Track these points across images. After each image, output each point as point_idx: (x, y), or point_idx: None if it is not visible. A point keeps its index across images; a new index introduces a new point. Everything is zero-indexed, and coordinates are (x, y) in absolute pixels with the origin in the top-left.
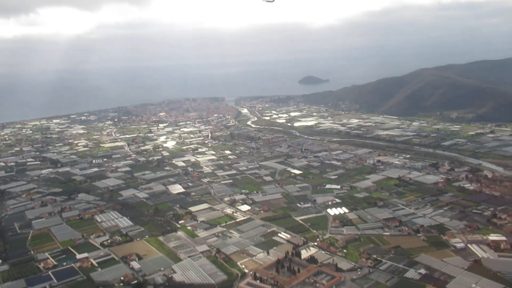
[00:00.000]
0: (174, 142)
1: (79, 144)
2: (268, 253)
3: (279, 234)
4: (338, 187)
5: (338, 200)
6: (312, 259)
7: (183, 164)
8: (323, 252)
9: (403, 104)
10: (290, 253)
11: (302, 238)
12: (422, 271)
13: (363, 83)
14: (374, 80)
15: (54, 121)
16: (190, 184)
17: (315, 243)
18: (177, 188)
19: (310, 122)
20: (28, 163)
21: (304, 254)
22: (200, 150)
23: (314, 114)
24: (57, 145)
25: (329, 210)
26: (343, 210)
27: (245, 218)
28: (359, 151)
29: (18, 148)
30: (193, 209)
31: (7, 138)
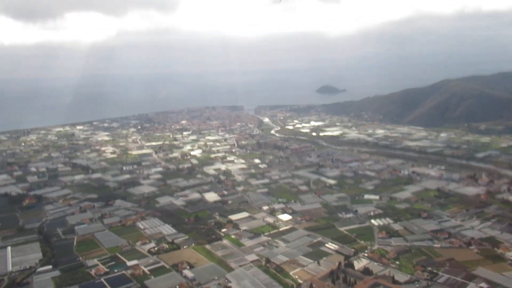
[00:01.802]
0: (200, 150)
1: (106, 151)
2: (319, 263)
3: (326, 245)
4: (377, 197)
5: (379, 211)
6: (366, 271)
7: (214, 172)
8: (375, 263)
9: (429, 115)
10: (342, 264)
11: (352, 249)
12: (484, 285)
13: (385, 94)
14: (395, 90)
15: (78, 127)
16: (225, 192)
17: (366, 254)
18: (213, 196)
19: (335, 132)
20: (59, 169)
21: (356, 265)
22: (228, 158)
23: (338, 124)
24: (84, 151)
25: (372, 221)
26: (387, 220)
27: (288, 227)
28: (391, 162)
29: (47, 154)
30: (233, 217)
31: (34, 144)
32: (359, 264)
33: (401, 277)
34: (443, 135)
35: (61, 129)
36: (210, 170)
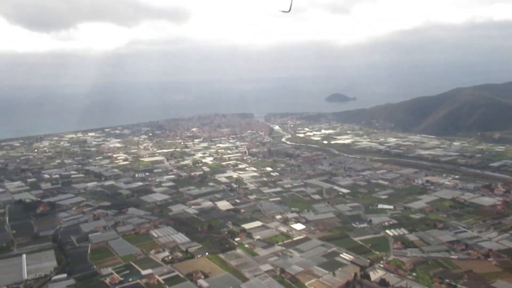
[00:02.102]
0: (212, 158)
1: (118, 158)
2: (334, 274)
3: (341, 255)
4: (391, 207)
5: (394, 221)
6: (383, 282)
7: (226, 180)
8: (391, 274)
9: (441, 124)
10: (358, 275)
11: (368, 260)
12: None
13: (396, 102)
14: (405, 98)
15: (90, 134)
16: (237, 200)
17: (381, 265)
18: (225, 205)
19: (346, 140)
20: (72, 176)
21: (373, 276)
22: (240, 166)
23: (349, 132)
24: (97, 158)
25: (387, 231)
26: (402, 231)
27: (302, 237)
28: (405, 171)
29: (60, 161)
30: (246, 226)
31: (47, 150)
32: (375, 275)
33: None
34: (456, 144)
35: (73, 135)
36: (222, 178)
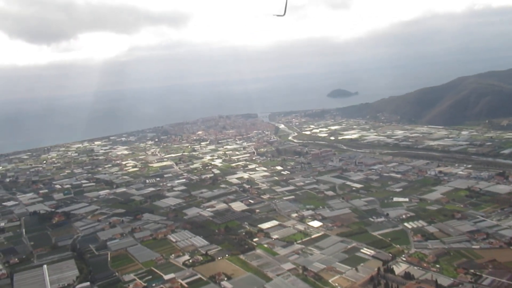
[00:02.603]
0: (220, 160)
1: (127, 165)
2: (357, 269)
3: (361, 250)
4: (407, 200)
5: (411, 214)
6: (407, 275)
7: (237, 181)
8: (415, 267)
9: (447, 114)
10: (382, 270)
11: (389, 254)
12: None
13: (401, 94)
14: (409, 90)
15: (96, 142)
16: (251, 201)
17: (404, 258)
18: (239, 206)
19: (353, 135)
20: (84, 185)
21: (396, 270)
22: (250, 166)
23: (354, 127)
24: (106, 166)
25: (405, 224)
26: (420, 223)
27: (320, 234)
28: (416, 163)
29: (69, 171)
30: (263, 226)
31: (55, 161)
32: (399, 268)
33: (443, 280)
34: (464, 133)
35: (80, 145)
36: (233, 179)
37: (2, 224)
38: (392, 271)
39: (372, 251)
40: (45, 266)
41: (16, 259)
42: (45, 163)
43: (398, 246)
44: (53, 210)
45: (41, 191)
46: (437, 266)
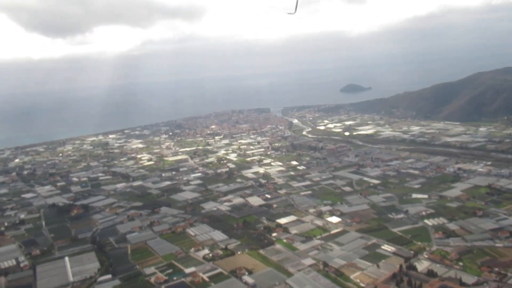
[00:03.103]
0: (235, 154)
1: (143, 158)
2: (378, 266)
3: (382, 247)
4: (426, 196)
5: (431, 210)
6: (430, 273)
7: (253, 176)
8: (437, 265)
9: (464, 110)
10: (404, 266)
11: (411, 251)
12: None
13: (416, 90)
14: (423, 86)
15: (110, 136)
16: (268, 196)
17: (425, 256)
18: (256, 200)
19: (368, 130)
20: (100, 178)
21: (418, 267)
22: (265, 161)
23: (369, 122)
24: (121, 159)
25: (426, 221)
26: (441, 220)
27: (339, 230)
28: (434, 159)
29: (85, 164)
30: (281, 221)
31: (71, 154)
32: (421, 266)
33: (467, 278)
34: (482, 129)
35: (94, 138)
36: (248, 173)
37: (22, 215)
38: (414, 268)
39: (392, 248)
40: (66, 258)
41: (38, 250)
42: (61, 156)
43: (419, 243)
44: (71, 202)
45: (58, 184)
46: (460, 264)
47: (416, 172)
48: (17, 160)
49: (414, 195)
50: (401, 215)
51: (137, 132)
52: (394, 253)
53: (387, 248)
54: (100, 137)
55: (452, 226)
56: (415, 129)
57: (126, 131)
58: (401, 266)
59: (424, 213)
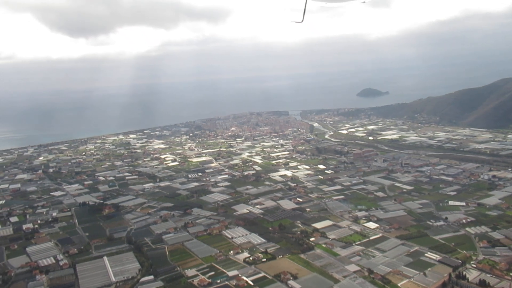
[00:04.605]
0: (260, 157)
1: (166, 159)
2: (425, 274)
3: (426, 254)
4: (463, 204)
5: (471, 218)
6: (483, 283)
7: (281, 179)
8: (487, 275)
9: (491, 116)
10: (453, 276)
11: (459, 260)
12: None
13: (437, 95)
14: (447, 91)
15: (131, 136)
16: (300, 199)
17: (473, 265)
18: (288, 204)
19: (392, 135)
20: (127, 178)
21: (468, 277)
22: (290, 164)
23: (392, 127)
24: (145, 159)
25: (467, 229)
26: (483, 229)
27: (378, 236)
28: (465, 166)
29: (110, 163)
30: (317, 226)
31: (94, 153)
32: (470, 275)
33: None
34: (510, 136)
35: (115, 138)
36: (276, 176)
37: (54, 213)
38: (464, 278)
39: (437, 256)
40: (105, 257)
41: (75, 249)
42: (84, 155)
43: (464, 251)
44: (101, 201)
45: (85, 183)
46: (511, 274)
47: (449, 178)
48: (41, 158)
49: (451, 202)
50: (441, 222)
51: (157, 133)
52: (439, 261)
53: (432, 256)
54: (121, 136)
55: (496, 235)
56: (441, 135)
57: (146, 131)
58: (450, 275)
59: (464, 221)
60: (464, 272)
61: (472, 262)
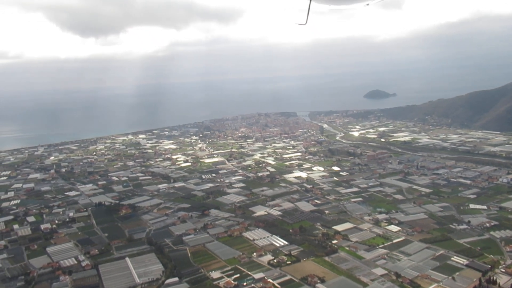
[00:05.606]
0: (272, 158)
1: (178, 159)
2: (454, 279)
3: (452, 258)
4: (485, 207)
5: (495, 222)
6: None
7: (296, 180)
8: None
9: (504, 118)
10: (483, 280)
11: (487, 265)
12: None
13: (450, 97)
14: (458, 93)
15: (140, 136)
16: (317, 201)
17: (503, 270)
18: (306, 206)
19: (405, 137)
20: (140, 178)
21: (499, 281)
22: (304, 166)
23: (403, 129)
24: (157, 160)
25: (492, 233)
26: (508, 233)
27: (402, 239)
28: (483, 169)
29: (122, 163)
30: (338, 228)
31: (105, 153)
32: (500, 280)
33: None
34: None
35: (124, 138)
36: (291, 178)
37: (71, 213)
38: (495, 283)
39: (464, 260)
40: (127, 258)
41: (96, 250)
42: (95, 155)
43: (492, 256)
44: (117, 202)
45: (99, 183)
46: None
47: (468, 181)
48: (52, 158)
49: (472, 206)
50: (464, 226)
51: (166, 133)
52: (467, 266)
53: (459, 260)
54: (130, 136)
55: None
56: (454, 137)
57: (155, 132)
58: (480, 280)
59: (488, 224)
60: (494, 277)
61: (500, 266)
